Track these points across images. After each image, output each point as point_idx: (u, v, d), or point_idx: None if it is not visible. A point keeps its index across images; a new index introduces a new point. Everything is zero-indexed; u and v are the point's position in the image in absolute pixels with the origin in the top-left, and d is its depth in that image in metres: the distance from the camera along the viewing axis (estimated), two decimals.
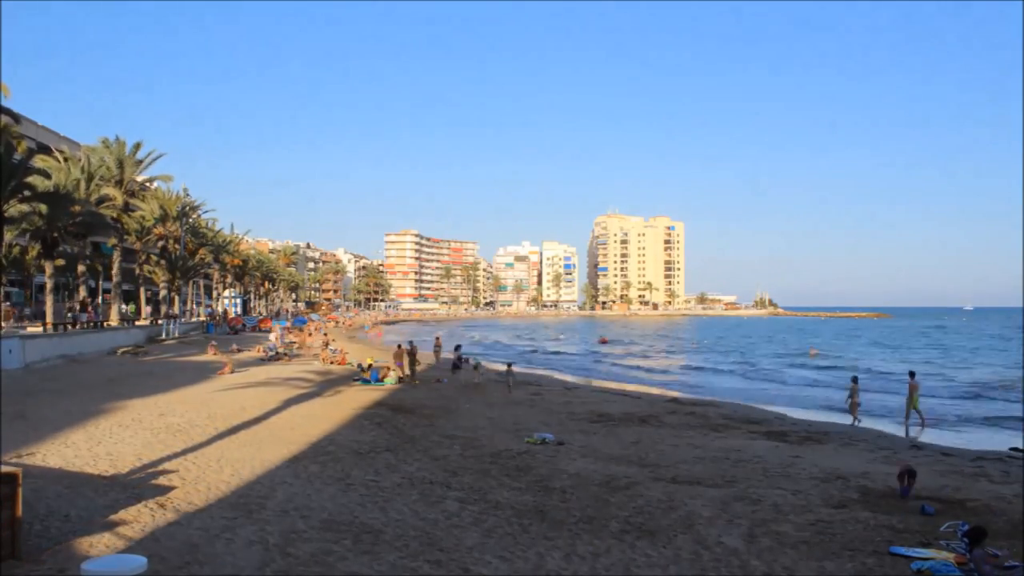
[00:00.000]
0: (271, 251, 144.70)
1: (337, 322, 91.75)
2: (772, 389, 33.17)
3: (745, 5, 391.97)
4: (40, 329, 31.97)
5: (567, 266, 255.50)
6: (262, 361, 32.88)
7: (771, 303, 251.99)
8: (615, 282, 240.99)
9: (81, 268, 42.69)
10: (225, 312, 76.54)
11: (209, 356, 33.40)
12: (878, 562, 7.78)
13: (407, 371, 26.72)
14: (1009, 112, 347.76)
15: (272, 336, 41.29)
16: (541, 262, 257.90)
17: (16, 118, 30.90)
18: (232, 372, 26.17)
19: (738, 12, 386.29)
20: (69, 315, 37.82)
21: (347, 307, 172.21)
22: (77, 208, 36.75)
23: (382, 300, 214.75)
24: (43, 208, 32.96)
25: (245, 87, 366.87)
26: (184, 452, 12.14)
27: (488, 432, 16.04)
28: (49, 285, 37.26)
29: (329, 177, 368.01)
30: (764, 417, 21.23)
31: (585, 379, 35.97)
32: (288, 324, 71.14)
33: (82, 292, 43.53)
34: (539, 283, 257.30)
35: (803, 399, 28.69)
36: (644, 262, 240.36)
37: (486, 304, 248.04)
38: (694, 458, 13.84)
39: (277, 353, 35.49)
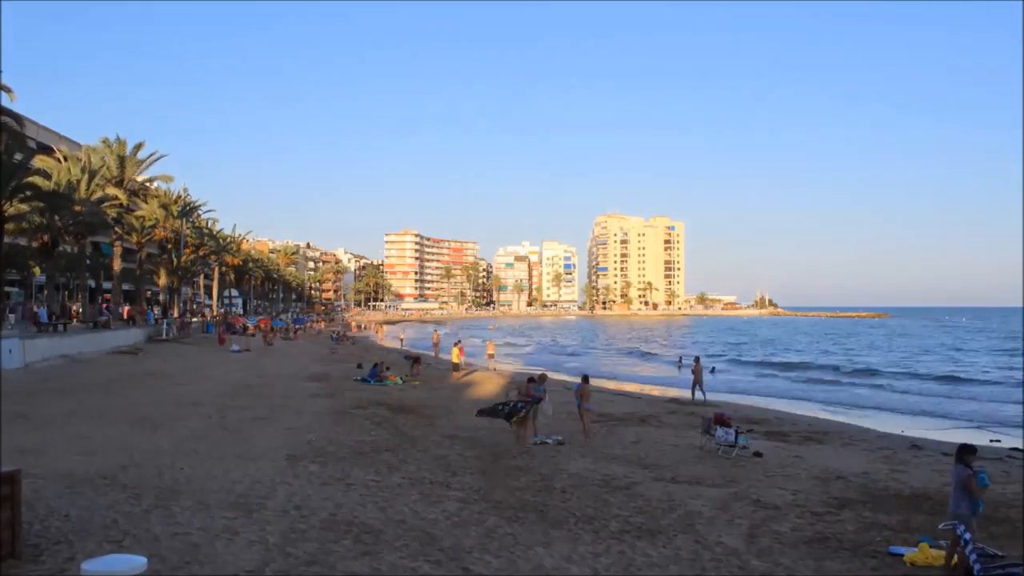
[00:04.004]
0: (271, 251, 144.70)
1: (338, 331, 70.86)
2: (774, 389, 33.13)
3: (745, 5, 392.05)
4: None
5: (567, 266, 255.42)
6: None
7: (771, 303, 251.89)
8: (615, 282, 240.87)
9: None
10: (225, 312, 76.47)
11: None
12: (878, 562, 7.78)
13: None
14: (1009, 111, 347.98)
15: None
16: (541, 262, 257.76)
17: (19, 120, 30.89)
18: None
19: (738, 12, 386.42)
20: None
21: (346, 307, 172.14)
22: (78, 208, 36.77)
23: (382, 300, 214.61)
24: (41, 206, 32.99)
25: (245, 87, 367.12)
26: (183, 452, 12.14)
27: (488, 432, 16.04)
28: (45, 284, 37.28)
29: (329, 177, 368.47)
30: (764, 417, 21.23)
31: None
32: (288, 323, 71.22)
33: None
34: (539, 283, 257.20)
35: (807, 399, 28.68)
36: (644, 262, 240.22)
37: (486, 304, 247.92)
38: (694, 458, 13.84)
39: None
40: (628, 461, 13.24)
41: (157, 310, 52.24)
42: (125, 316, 45.06)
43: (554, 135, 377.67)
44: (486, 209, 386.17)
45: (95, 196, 41.58)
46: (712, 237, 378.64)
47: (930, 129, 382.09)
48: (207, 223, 76.89)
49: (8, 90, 28.17)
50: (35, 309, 33.18)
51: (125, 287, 58.82)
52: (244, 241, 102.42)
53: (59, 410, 16.08)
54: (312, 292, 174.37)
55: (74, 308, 38.20)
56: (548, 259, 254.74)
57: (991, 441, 18.29)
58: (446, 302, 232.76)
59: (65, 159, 43.44)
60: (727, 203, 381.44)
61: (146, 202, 55.52)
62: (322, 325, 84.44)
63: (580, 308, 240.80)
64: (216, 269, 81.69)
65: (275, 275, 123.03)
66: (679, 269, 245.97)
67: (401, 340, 60.41)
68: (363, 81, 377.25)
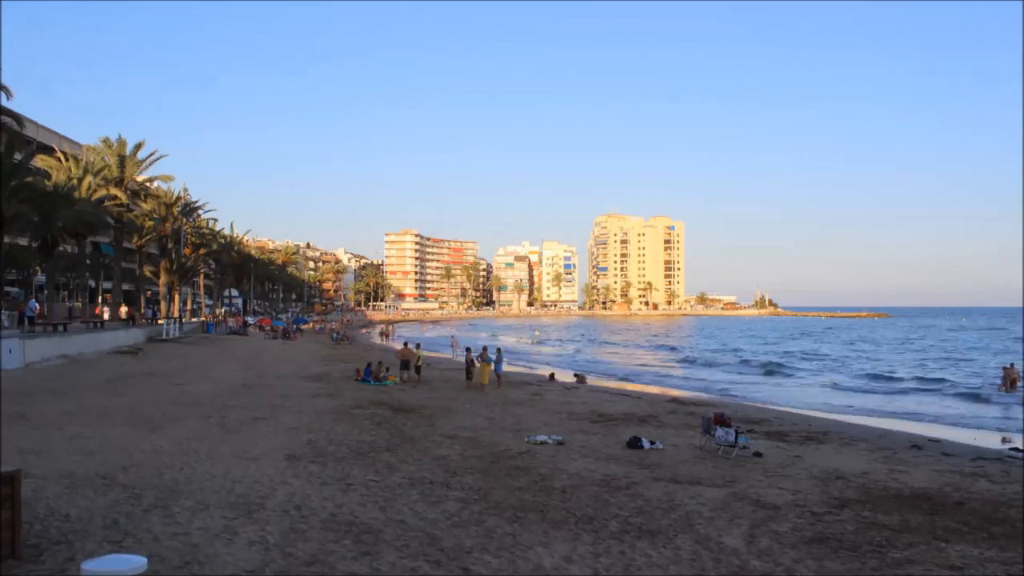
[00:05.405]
0: (271, 251, 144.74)
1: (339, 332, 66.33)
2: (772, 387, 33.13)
3: (745, 5, 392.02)
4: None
5: (567, 266, 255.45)
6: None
7: (771, 303, 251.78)
8: (615, 282, 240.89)
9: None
10: (225, 312, 76.43)
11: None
12: (879, 562, 7.77)
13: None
14: (1009, 111, 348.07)
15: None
16: (541, 262, 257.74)
17: (19, 120, 30.89)
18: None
19: (738, 11, 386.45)
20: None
21: (347, 307, 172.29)
22: (78, 208, 36.74)
23: (382, 300, 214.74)
24: (41, 206, 32.97)
25: (245, 87, 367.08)
26: (183, 452, 12.14)
27: (488, 432, 16.04)
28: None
29: (329, 177, 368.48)
30: (764, 417, 21.24)
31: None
32: (288, 323, 71.17)
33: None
34: (539, 283, 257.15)
35: (802, 399, 28.70)
36: (644, 262, 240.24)
37: (486, 304, 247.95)
38: (694, 458, 13.84)
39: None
40: (628, 461, 13.23)
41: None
42: (124, 316, 45.08)
43: (554, 135, 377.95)
44: (486, 209, 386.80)
45: (95, 196, 41.57)
46: (712, 237, 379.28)
47: (930, 129, 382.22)
48: (207, 223, 76.99)
49: (6, 90, 28.22)
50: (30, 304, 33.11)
51: (125, 287, 58.81)
52: (244, 241, 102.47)
53: (59, 410, 16.07)
54: (312, 292, 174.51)
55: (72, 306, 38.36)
56: (548, 259, 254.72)
57: (1010, 447, 17.87)
58: (446, 302, 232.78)
59: (65, 159, 43.45)
60: (727, 203, 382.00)
61: (146, 202, 55.55)
62: (320, 324, 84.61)
63: (580, 308, 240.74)
64: (216, 269, 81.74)
65: (275, 275, 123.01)
66: (679, 269, 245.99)
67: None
68: (363, 81, 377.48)
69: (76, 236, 40.26)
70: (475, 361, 25.77)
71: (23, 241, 40.40)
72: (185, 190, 65.83)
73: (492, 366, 26.07)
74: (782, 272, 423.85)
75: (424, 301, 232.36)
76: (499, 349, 30.06)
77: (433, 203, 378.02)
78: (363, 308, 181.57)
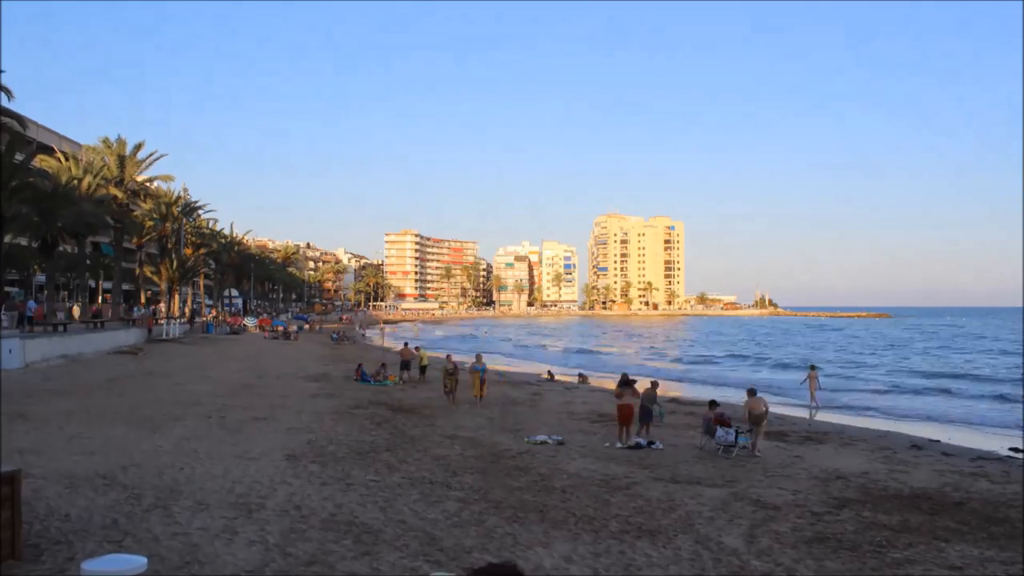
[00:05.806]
0: (271, 251, 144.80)
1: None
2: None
3: (745, 4, 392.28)
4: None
5: (567, 266, 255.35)
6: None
7: (771, 303, 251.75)
8: (615, 282, 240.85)
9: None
10: (224, 312, 76.40)
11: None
12: (879, 562, 7.77)
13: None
14: (1008, 110, 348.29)
15: None
16: (541, 262, 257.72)
17: (21, 121, 30.90)
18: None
19: (738, 11, 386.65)
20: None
21: (346, 306, 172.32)
22: (78, 208, 36.74)
23: (382, 300, 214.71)
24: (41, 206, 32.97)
25: (244, 86, 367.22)
26: (183, 452, 12.14)
27: (488, 432, 16.05)
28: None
29: (329, 177, 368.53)
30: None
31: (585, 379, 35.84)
32: (290, 323, 71.18)
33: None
34: (539, 283, 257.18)
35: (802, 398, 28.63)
36: (644, 262, 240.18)
37: (486, 304, 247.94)
38: (694, 458, 13.84)
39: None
40: (628, 461, 13.24)
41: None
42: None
43: (555, 135, 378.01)
44: (486, 209, 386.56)
45: (95, 196, 41.58)
46: (712, 237, 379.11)
47: (930, 128, 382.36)
48: (207, 223, 77.02)
49: (7, 90, 28.23)
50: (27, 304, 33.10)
51: (125, 287, 58.82)
52: (244, 241, 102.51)
53: (59, 410, 16.06)
54: (312, 292, 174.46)
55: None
56: (548, 259, 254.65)
57: (1010, 447, 17.69)
58: (446, 302, 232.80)
59: (66, 159, 43.46)
60: (727, 203, 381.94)
61: (146, 202, 55.58)
62: (319, 325, 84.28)
63: (580, 308, 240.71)
64: (216, 269, 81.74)
65: (275, 275, 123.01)
66: (679, 269, 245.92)
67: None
68: (362, 81, 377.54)
69: (76, 236, 40.24)
70: (456, 369, 22.02)
71: (23, 241, 40.41)
72: (185, 190, 65.89)
73: (480, 374, 21.76)
74: (782, 272, 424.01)
75: (424, 301, 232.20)
76: (479, 355, 24.22)
77: (433, 203, 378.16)
78: (366, 308, 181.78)
